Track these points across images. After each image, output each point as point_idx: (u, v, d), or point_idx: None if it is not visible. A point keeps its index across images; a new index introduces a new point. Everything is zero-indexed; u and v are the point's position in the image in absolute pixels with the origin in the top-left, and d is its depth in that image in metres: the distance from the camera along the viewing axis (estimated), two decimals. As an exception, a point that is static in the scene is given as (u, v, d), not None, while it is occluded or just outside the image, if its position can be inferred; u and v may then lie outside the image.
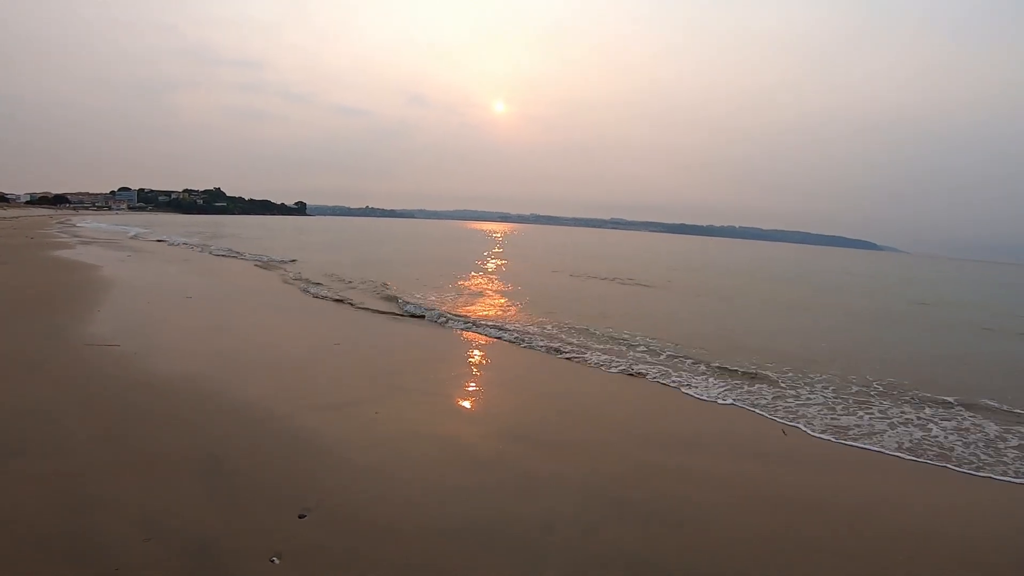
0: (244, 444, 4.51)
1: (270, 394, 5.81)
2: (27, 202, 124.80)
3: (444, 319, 10.92)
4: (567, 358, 8.33)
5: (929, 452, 5.28)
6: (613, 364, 8.03)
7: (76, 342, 7.56)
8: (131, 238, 33.12)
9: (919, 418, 6.22)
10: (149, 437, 4.53)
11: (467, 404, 6.10)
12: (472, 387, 6.74)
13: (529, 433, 5.18)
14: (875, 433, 5.70)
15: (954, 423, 6.13)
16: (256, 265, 20.10)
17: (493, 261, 28.10)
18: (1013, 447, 5.52)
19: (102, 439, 4.42)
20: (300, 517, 3.46)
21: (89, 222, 53.21)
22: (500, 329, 10.11)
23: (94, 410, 5.06)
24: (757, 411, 6.27)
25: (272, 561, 2.98)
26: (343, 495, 3.77)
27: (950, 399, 7.01)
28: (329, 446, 4.58)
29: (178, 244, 29.32)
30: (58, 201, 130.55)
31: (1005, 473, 4.91)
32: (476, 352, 8.59)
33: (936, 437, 5.66)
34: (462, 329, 10.31)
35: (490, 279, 19.30)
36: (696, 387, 7.01)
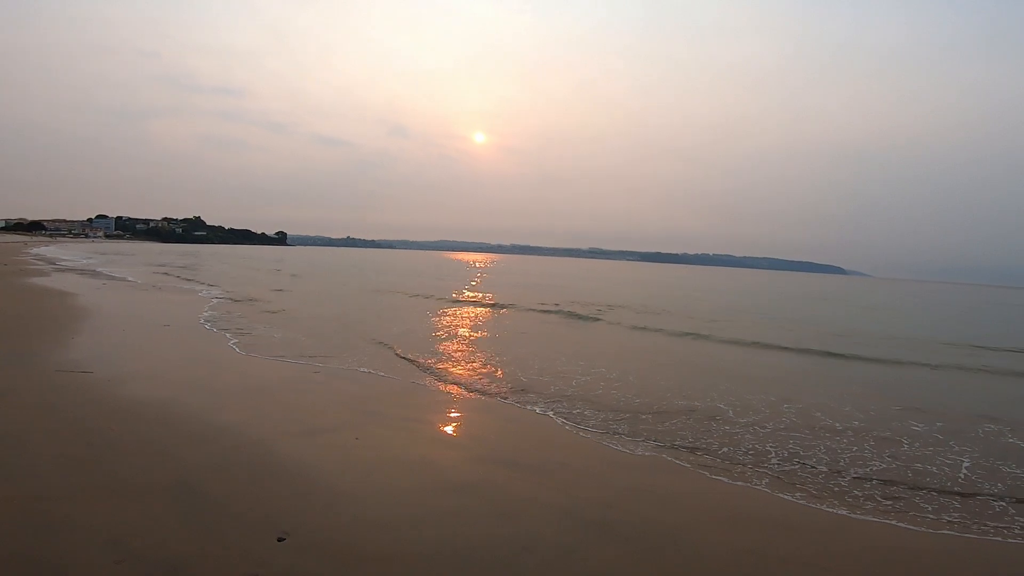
0: (220, 469, 4.45)
1: (247, 421, 5.74)
2: (2, 228, 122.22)
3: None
4: (541, 395, 8.38)
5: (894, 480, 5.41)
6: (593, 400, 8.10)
7: (48, 369, 7.41)
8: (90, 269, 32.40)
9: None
10: (120, 462, 4.44)
11: (447, 430, 6.09)
12: (453, 413, 6.74)
13: (508, 457, 5.20)
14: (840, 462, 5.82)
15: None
16: (233, 299, 19.89)
17: (468, 291, 28.15)
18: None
19: (71, 463, 4.33)
20: (279, 540, 3.42)
21: (47, 249, 52.16)
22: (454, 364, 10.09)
23: (64, 435, 4.95)
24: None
25: (249, 583, 2.95)
26: (322, 519, 3.74)
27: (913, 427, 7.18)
28: (308, 471, 4.54)
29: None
30: (34, 228, 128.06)
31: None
32: (456, 382, 8.59)
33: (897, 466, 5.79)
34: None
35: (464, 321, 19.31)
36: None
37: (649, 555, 3.57)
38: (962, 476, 5.50)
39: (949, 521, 4.50)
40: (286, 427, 5.60)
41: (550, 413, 6.95)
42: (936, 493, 5.05)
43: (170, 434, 5.18)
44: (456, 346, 11.73)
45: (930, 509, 4.72)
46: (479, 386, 8.20)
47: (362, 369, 8.73)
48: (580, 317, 18.43)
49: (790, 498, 4.75)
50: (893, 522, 4.41)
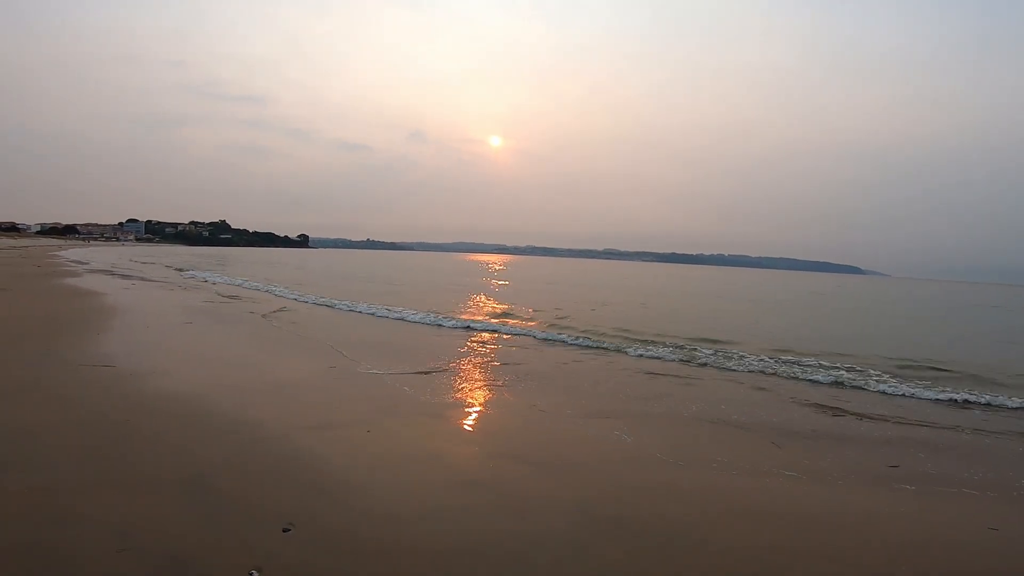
0: (232, 462, 4.42)
1: (262, 415, 5.73)
2: (38, 232, 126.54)
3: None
4: (560, 382, 8.24)
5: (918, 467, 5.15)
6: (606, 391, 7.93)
7: (72, 363, 7.53)
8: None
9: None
10: (134, 453, 4.46)
11: (461, 425, 6.00)
12: (467, 408, 6.64)
13: (521, 453, 5.08)
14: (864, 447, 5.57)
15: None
16: (255, 295, 20.17)
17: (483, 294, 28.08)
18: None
19: (86, 455, 4.36)
20: (284, 531, 3.36)
21: (76, 252, 53.68)
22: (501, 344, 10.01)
23: (82, 427, 5.00)
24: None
25: (251, 575, 2.89)
26: (330, 512, 3.67)
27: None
28: (319, 464, 4.49)
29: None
30: (68, 232, 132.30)
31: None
32: (474, 375, 8.51)
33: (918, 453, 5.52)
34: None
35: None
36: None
37: (662, 551, 3.43)
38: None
39: (984, 515, 4.27)
40: (298, 421, 5.57)
41: (566, 411, 6.81)
42: (972, 490, 4.80)
43: (185, 427, 5.19)
44: (473, 350, 11.67)
45: (961, 501, 4.51)
46: (493, 383, 8.11)
47: (373, 370, 8.69)
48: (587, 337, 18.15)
49: (811, 491, 4.56)
50: (919, 514, 4.23)
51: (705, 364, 10.33)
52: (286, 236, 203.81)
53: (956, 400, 8.29)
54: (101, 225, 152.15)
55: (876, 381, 9.26)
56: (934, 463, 5.52)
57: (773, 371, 9.84)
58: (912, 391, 8.70)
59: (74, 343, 8.97)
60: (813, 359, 10.95)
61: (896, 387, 8.90)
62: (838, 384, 9.09)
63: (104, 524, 3.29)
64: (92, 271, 27.46)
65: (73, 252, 53.63)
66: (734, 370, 9.94)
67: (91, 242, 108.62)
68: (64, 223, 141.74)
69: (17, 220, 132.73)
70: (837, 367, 10.23)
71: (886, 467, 5.28)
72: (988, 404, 8.13)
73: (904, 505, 4.43)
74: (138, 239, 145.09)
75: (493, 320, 15.50)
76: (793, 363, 10.48)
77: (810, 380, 9.32)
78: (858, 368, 10.26)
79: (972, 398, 8.39)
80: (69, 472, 4.02)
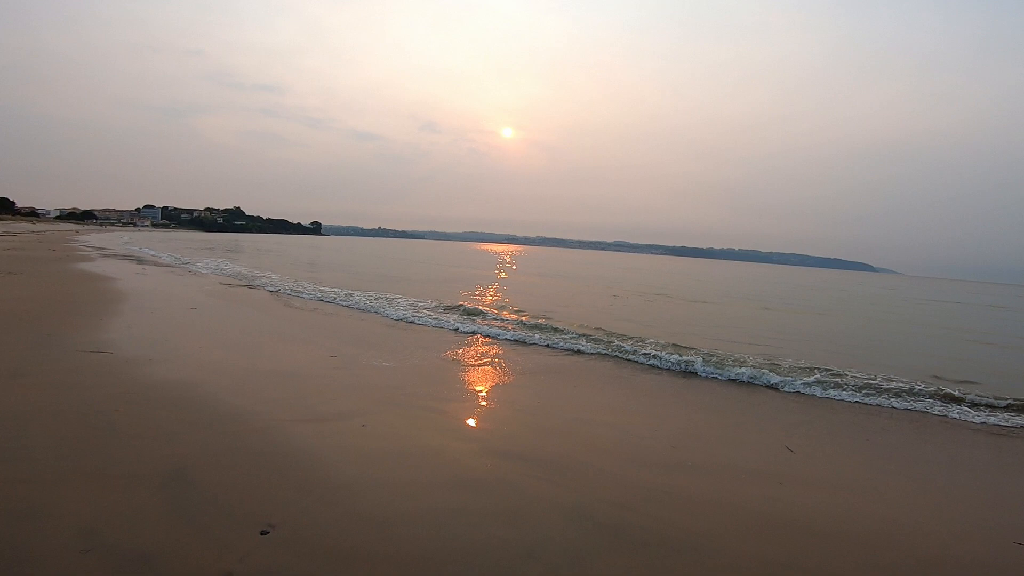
0: (218, 456, 4.25)
1: (257, 405, 5.57)
2: (56, 217, 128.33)
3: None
4: (568, 379, 8.01)
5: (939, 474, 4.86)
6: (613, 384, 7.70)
7: (70, 349, 7.44)
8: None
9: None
10: (116, 445, 4.29)
11: (462, 420, 5.80)
12: (466, 404, 6.45)
13: (521, 452, 4.87)
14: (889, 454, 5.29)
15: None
16: (262, 285, 20.12)
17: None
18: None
19: (65, 446, 4.20)
20: (262, 534, 3.18)
21: (92, 238, 54.19)
22: (506, 341, 9.80)
23: (68, 416, 4.85)
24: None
25: (221, 580, 2.71)
26: (314, 512, 3.49)
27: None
28: (308, 460, 4.31)
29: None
30: (85, 217, 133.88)
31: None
32: (479, 367, 8.31)
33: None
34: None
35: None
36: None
37: (666, 564, 3.20)
38: None
39: (1009, 529, 3.98)
40: (293, 413, 5.40)
41: (568, 409, 6.60)
42: (998, 503, 4.51)
43: (175, 418, 5.04)
44: (475, 345, 11.47)
45: (986, 514, 4.22)
46: (494, 379, 7.90)
47: (375, 361, 8.52)
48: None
49: (827, 501, 4.30)
50: (942, 527, 3.97)
51: (712, 367, 10.00)
52: (299, 223, 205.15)
53: (983, 411, 7.91)
54: (118, 211, 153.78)
55: (892, 389, 8.90)
56: (957, 474, 5.27)
57: (782, 374, 9.50)
58: (933, 400, 8.34)
59: (75, 328, 8.89)
60: (826, 363, 10.57)
61: (918, 396, 8.53)
62: (851, 390, 8.74)
63: (72, 521, 3.11)
64: (105, 256, 27.70)
65: (90, 237, 54.23)
66: (740, 372, 9.61)
67: (108, 227, 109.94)
68: (82, 208, 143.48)
69: (36, 205, 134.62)
70: (854, 372, 9.86)
71: (908, 478, 5.01)
72: (1016, 416, 7.74)
73: (927, 518, 4.18)
74: (154, 225, 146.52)
75: (497, 316, 15.25)
76: (804, 366, 10.12)
77: (822, 384, 8.98)
78: (875, 375, 9.88)
79: (999, 407, 8.02)
80: (47, 464, 3.86)
